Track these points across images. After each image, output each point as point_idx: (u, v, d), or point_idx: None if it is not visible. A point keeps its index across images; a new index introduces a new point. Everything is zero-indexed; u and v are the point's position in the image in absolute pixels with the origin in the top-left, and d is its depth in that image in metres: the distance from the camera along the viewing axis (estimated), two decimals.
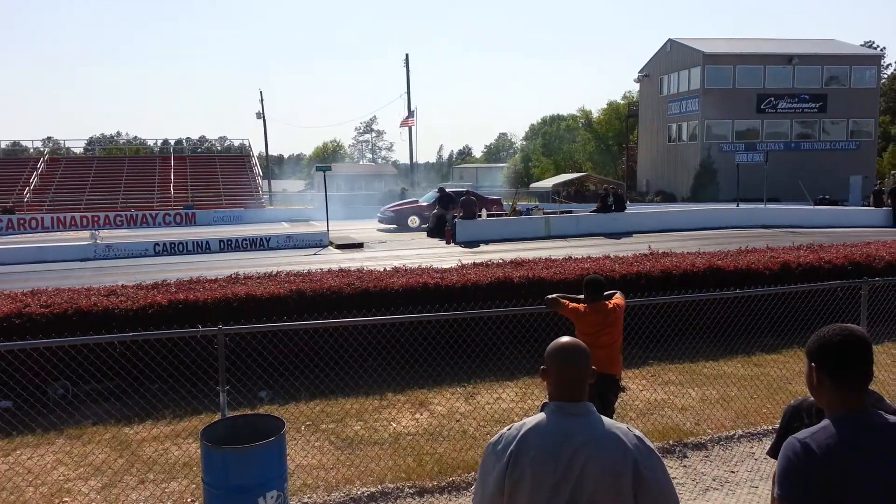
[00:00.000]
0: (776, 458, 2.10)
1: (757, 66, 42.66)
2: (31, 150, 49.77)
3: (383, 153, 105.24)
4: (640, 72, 51.04)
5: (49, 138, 57.23)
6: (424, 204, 27.37)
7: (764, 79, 42.86)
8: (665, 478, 2.21)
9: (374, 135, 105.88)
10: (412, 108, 45.52)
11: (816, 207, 29.79)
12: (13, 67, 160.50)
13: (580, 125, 73.67)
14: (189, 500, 5.15)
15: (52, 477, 5.54)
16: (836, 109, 43.10)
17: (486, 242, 20.96)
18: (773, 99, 42.88)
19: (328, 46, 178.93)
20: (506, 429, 2.31)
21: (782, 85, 42.86)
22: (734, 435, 6.22)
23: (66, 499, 5.19)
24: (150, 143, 59.80)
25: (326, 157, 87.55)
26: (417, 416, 6.77)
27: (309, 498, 5.15)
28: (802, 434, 2.01)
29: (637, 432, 2.25)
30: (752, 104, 42.81)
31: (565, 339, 2.40)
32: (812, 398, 2.35)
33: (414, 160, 50.10)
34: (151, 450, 5.99)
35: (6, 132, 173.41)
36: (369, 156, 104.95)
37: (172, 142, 54.00)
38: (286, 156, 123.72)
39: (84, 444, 6.18)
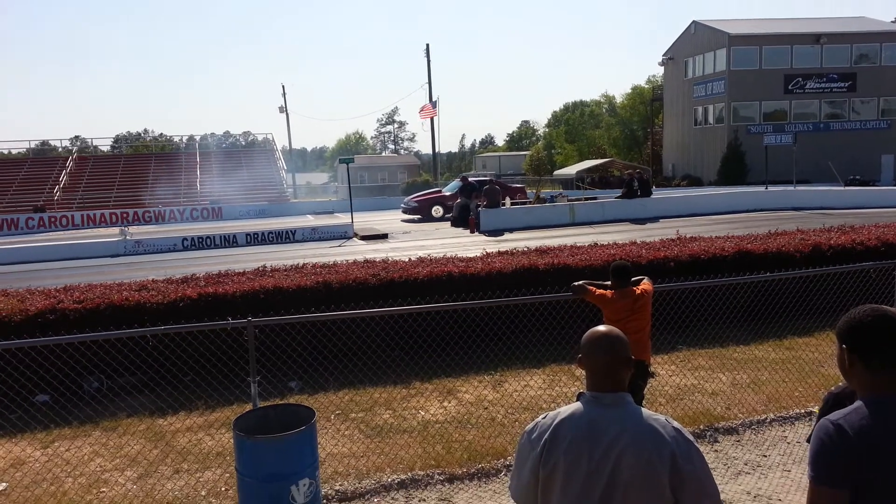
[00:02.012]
0: None
1: (784, 46, 41.87)
2: (60, 150, 50.71)
3: (406, 144, 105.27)
4: (664, 55, 50.36)
5: (77, 137, 58.33)
6: (448, 194, 27.35)
7: (791, 59, 42.05)
8: (704, 470, 2.16)
9: (396, 126, 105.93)
10: (434, 99, 45.47)
11: (847, 188, 29.25)
12: (40, 68, 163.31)
13: (604, 111, 73.06)
14: (223, 488, 5.23)
15: (89, 468, 5.66)
16: (866, 88, 42.16)
17: (511, 231, 20.91)
18: (800, 79, 42.08)
19: (349, 38, 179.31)
20: (541, 417, 2.30)
21: (810, 65, 42.02)
22: (766, 419, 6.15)
23: (104, 489, 5.30)
24: (176, 139, 60.52)
25: (349, 150, 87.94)
26: (445, 404, 6.80)
27: (340, 485, 5.21)
28: (835, 416, 1.97)
29: (675, 424, 2.20)
30: (780, 85, 42.06)
31: (602, 327, 2.36)
32: (849, 386, 2.30)
33: (436, 150, 50.09)
34: (185, 440, 6.09)
35: (35, 132, 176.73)
36: (392, 147, 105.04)
37: (198, 138, 54.51)
38: (309, 149, 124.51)
39: (119, 435, 6.31)
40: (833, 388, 2.65)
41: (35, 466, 5.66)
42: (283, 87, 58.23)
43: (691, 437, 2.21)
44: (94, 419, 6.61)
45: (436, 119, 46.15)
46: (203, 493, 5.19)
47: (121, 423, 6.59)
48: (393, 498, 5.05)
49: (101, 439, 6.23)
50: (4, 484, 5.42)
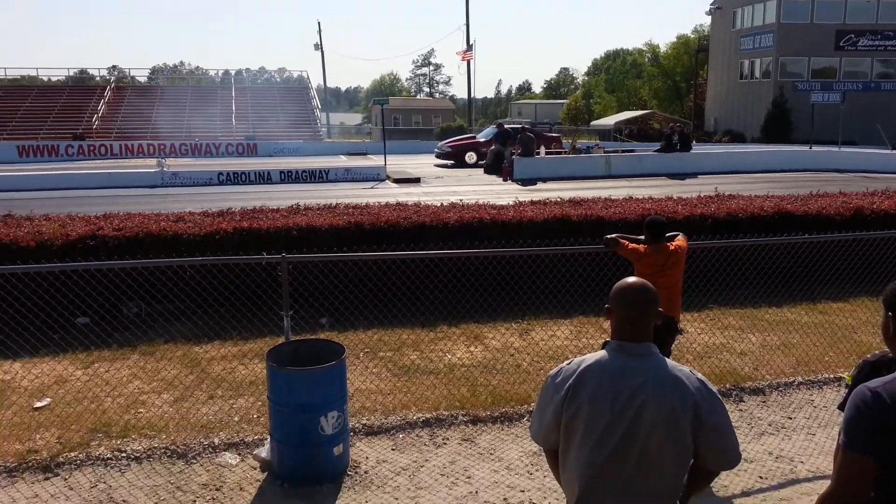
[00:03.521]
0: None
1: None
2: (98, 79, 50.95)
3: (441, 87, 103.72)
4: (712, 3, 48.46)
5: (114, 67, 58.50)
6: (482, 140, 27.06)
7: (845, 14, 40.20)
8: (726, 423, 2.20)
9: (431, 68, 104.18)
10: (471, 41, 44.53)
11: (894, 152, 28.30)
12: None
13: (646, 60, 70.96)
14: (255, 415, 5.41)
15: (127, 389, 5.89)
16: None
17: (544, 180, 20.71)
18: (853, 35, 40.28)
19: None
20: (566, 363, 2.33)
21: (864, 20, 40.13)
22: (793, 382, 6.14)
23: (142, 410, 5.52)
24: (212, 73, 60.50)
25: (383, 91, 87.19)
26: (472, 349, 6.89)
27: (367, 420, 5.35)
28: (874, 383, 1.95)
29: (700, 376, 2.23)
30: (831, 41, 40.34)
31: (631, 279, 2.37)
32: (892, 354, 2.28)
33: (472, 95, 49.35)
34: (220, 368, 6.29)
35: (73, 59, 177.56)
36: (427, 90, 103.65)
37: (233, 72, 54.47)
38: (343, 88, 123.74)
39: (157, 360, 6.53)
40: (869, 356, 2.62)
41: (76, 385, 5.90)
42: (319, 23, 57.33)
43: (715, 390, 2.23)
44: (133, 343, 6.84)
45: (472, 63, 45.31)
46: (236, 418, 5.38)
47: (158, 348, 6.81)
48: (418, 435, 5.18)
49: (139, 363, 6.46)
50: (48, 399, 5.67)
